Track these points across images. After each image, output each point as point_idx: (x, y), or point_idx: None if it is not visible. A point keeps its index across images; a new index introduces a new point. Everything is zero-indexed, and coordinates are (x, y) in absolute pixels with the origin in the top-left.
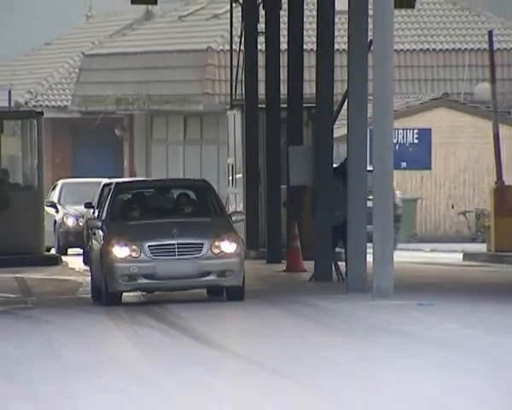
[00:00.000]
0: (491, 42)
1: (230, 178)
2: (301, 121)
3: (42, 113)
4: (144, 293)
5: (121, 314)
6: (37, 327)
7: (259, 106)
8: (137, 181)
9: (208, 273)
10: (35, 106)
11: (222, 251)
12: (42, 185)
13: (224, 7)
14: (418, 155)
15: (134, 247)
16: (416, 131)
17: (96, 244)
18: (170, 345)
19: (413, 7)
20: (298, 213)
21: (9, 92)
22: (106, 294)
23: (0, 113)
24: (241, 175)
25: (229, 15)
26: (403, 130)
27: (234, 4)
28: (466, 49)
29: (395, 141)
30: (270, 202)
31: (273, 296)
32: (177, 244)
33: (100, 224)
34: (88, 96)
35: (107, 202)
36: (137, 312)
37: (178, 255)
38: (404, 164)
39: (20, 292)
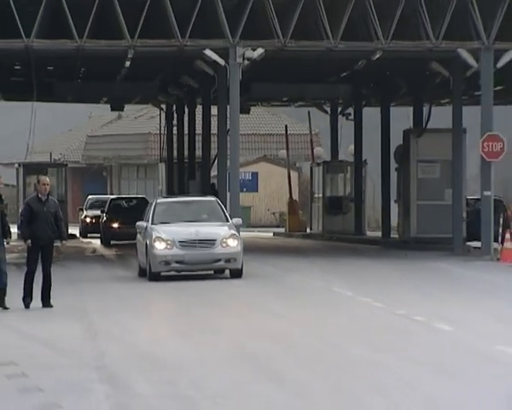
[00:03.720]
0: (286, 131)
1: (160, 196)
2: (194, 168)
3: (67, 164)
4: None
5: (110, 266)
6: (64, 269)
7: (174, 161)
8: (170, 197)
9: (219, 260)
10: (63, 161)
11: (228, 245)
12: (67, 200)
13: (156, 112)
14: (252, 185)
15: (169, 242)
16: (250, 173)
17: (141, 239)
18: (141, 284)
19: (248, 112)
20: None
21: (51, 154)
22: (149, 273)
23: (46, 164)
24: (165, 195)
25: (159, 117)
26: (244, 172)
27: (161, 111)
28: (275, 133)
29: (240, 178)
30: None
31: None
32: (198, 240)
33: (145, 226)
34: (89, 156)
35: (151, 211)
36: (127, 267)
37: (199, 248)
38: (245, 189)
39: (55, 252)
